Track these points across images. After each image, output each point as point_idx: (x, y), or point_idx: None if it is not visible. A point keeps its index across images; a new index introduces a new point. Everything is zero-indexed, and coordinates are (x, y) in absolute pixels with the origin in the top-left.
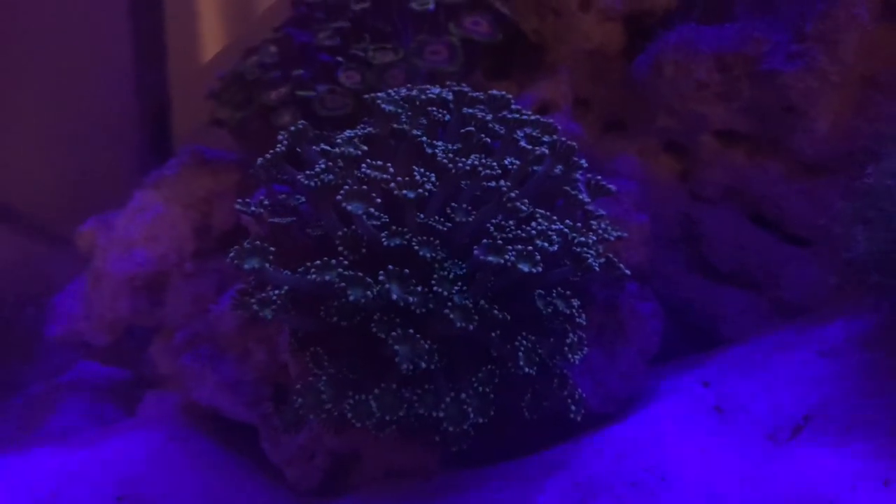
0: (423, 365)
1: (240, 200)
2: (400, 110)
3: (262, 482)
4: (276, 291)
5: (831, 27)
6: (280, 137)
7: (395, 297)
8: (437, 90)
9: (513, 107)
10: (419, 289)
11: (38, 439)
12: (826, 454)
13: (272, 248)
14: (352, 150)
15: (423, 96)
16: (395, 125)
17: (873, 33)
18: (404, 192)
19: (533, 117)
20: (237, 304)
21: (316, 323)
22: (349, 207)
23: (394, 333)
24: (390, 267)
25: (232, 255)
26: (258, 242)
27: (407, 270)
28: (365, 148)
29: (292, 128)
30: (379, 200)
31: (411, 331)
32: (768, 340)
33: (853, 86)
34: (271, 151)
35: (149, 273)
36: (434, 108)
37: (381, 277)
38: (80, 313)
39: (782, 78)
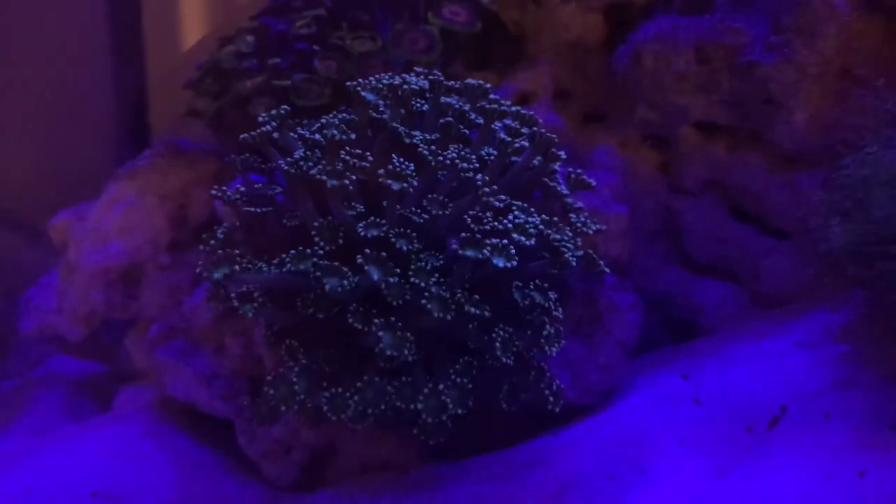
0: (406, 353)
1: (216, 187)
2: (380, 99)
3: (238, 477)
4: (254, 286)
5: (810, 19)
6: (261, 119)
7: (376, 278)
8: (415, 79)
9: (491, 97)
10: (397, 272)
11: (11, 434)
12: (803, 445)
13: (238, 253)
14: (336, 133)
15: (406, 86)
16: (374, 114)
17: (852, 25)
18: (389, 181)
19: (513, 108)
20: (212, 296)
21: (292, 316)
22: (323, 178)
23: (377, 321)
24: (367, 250)
25: (199, 269)
26: (227, 251)
27: (384, 254)
28: (353, 135)
29: (273, 112)
30: (354, 178)
31: (393, 319)
32: (747, 332)
33: (832, 78)
34: (257, 131)
35: (123, 265)
36: (414, 98)
37: (359, 261)
38: (53, 307)
39: (761, 69)
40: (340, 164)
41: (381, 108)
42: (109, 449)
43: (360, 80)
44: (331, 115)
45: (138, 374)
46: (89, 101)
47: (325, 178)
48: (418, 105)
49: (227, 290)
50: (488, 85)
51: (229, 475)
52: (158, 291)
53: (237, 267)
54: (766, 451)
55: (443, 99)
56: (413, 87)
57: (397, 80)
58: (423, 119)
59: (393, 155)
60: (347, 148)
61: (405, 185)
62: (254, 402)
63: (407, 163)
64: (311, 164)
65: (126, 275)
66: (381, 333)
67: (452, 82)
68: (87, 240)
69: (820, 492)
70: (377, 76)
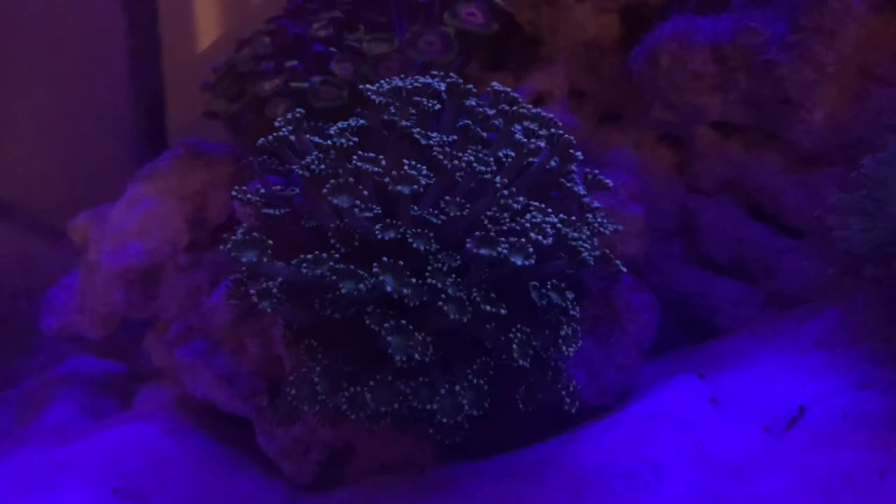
0: (417, 357)
1: (236, 188)
2: (390, 101)
3: (257, 475)
4: (273, 283)
5: (828, 18)
6: (277, 123)
7: (389, 289)
8: (426, 80)
9: (515, 97)
10: (413, 281)
11: (32, 433)
12: (821, 445)
13: (270, 241)
14: (343, 141)
15: (411, 86)
16: (385, 116)
17: (870, 24)
18: (398, 187)
19: (532, 111)
20: (232, 294)
21: (311, 316)
22: (335, 201)
23: (386, 325)
24: (384, 259)
25: (229, 245)
26: (255, 234)
27: (401, 262)
28: (355, 139)
29: (289, 115)
30: (366, 193)
31: (404, 322)
32: (764, 332)
33: (850, 77)
34: (273, 135)
35: (142, 266)
36: (424, 99)
37: (375, 269)
38: (74, 307)
39: (779, 69)
40: (351, 176)
41: (392, 111)
42: (130, 447)
43: (369, 83)
44: (348, 121)
45: (158, 373)
46: (107, 103)
47: (335, 199)
48: (429, 105)
49: (249, 285)
50: (516, 94)
51: (248, 473)
52: (177, 292)
53: (265, 258)
54: (783, 451)
55: (468, 102)
56: (417, 85)
57: (407, 83)
58: (439, 121)
59: (405, 159)
60: (360, 152)
61: (415, 187)
62: (273, 402)
63: (419, 165)
64: (323, 167)
65: (145, 275)
66: (389, 338)
67: (469, 85)
68: (106, 240)
69: (839, 492)
70: (388, 79)
